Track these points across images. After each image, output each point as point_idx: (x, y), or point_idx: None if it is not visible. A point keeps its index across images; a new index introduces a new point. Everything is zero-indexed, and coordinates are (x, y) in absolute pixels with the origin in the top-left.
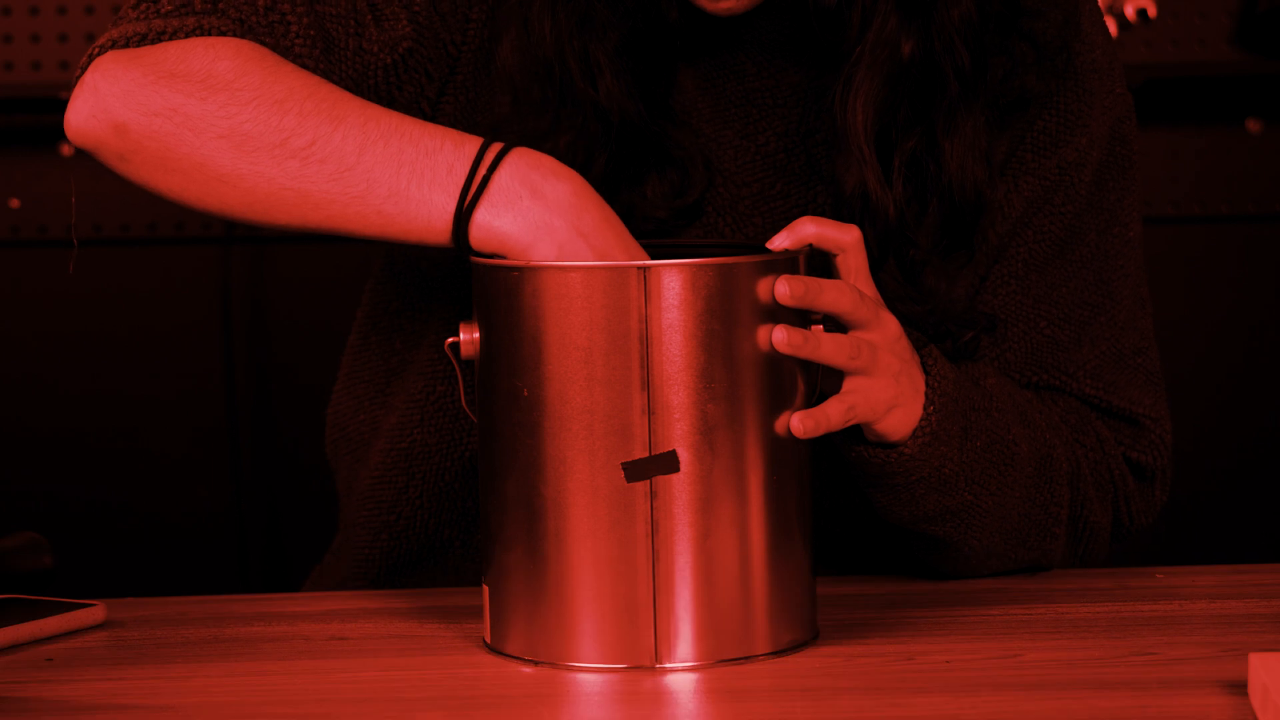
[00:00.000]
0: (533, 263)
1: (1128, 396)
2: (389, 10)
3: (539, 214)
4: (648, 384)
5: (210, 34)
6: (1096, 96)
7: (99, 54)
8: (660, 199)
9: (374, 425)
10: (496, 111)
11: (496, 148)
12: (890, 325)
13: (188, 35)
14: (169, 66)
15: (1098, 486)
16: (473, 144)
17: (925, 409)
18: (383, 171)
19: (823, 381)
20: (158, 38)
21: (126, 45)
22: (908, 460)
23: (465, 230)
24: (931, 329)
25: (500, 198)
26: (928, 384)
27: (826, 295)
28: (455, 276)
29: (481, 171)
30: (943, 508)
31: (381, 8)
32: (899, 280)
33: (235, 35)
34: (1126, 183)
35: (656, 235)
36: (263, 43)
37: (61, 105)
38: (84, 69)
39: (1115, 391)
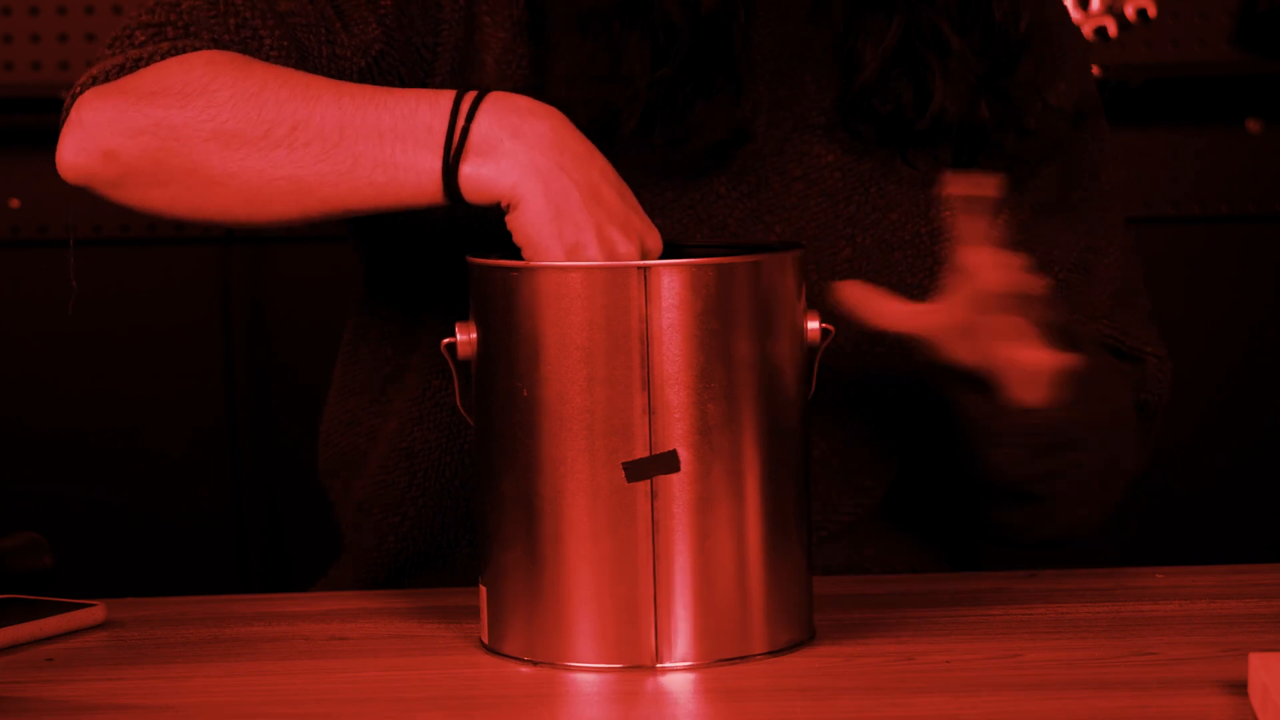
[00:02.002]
0: (532, 263)
1: (1137, 336)
2: (356, 15)
3: (521, 153)
4: (648, 384)
5: (185, 54)
6: (1064, 41)
7: (80, 93)
8: (718, 118)
9: (371, 435)
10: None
11: (471, 97)
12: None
13: (163, 58)
14: (147, 87)
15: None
16: (447, 98)
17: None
18: (366, 144)
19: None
20: (134, 66)
21: (106, 80)
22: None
23: (456, 186)
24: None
25: (483, 145)
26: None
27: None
28: (444, 279)
29: (460, 125)
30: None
31: (349, 13)
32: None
33: None
34: (1099, 129)
35: (712, 158)
36: None
37: (61, 105)
38: (67, 110)
39: (1127, 333)
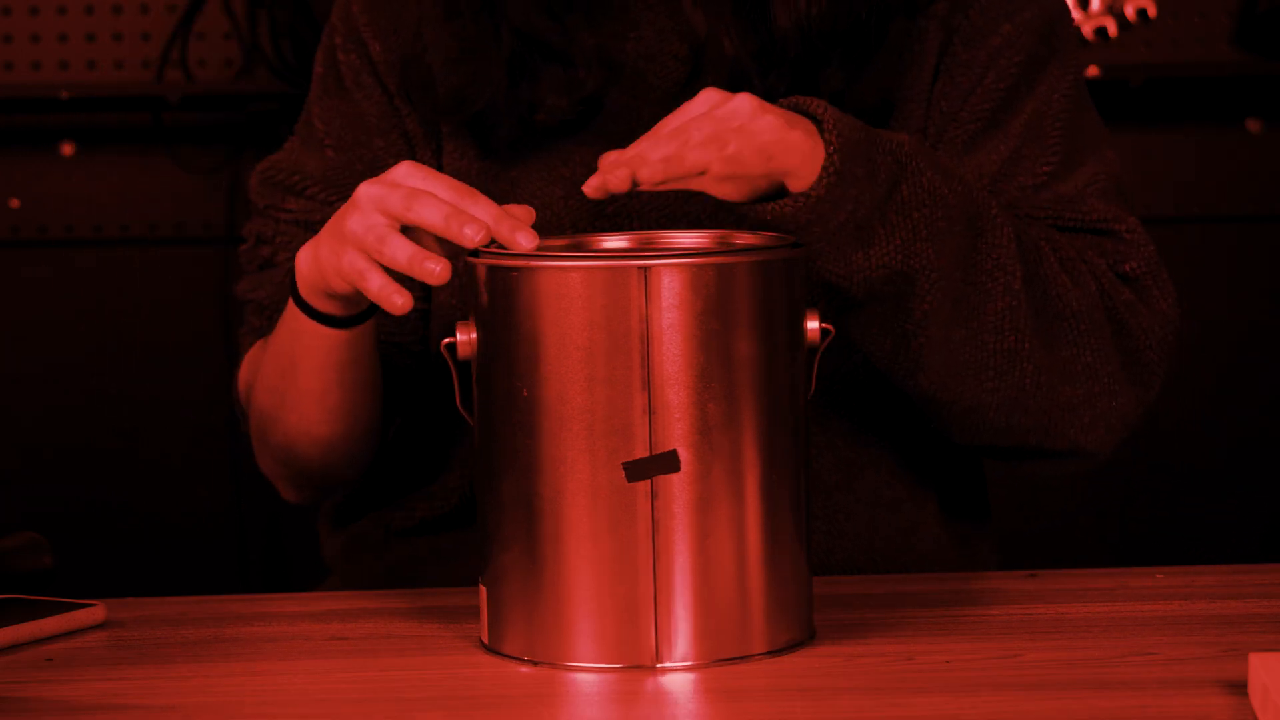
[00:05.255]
0: (531, 263)
1: (1093, 209)
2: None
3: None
4: (648, 384)
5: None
6: None
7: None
8: (560, 91)
9: (385, 523)
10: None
11: None
12: (742, 100)
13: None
14: None
15: (1066, 268)
16: None
17: (826, 150)
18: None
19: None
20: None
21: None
22: (816, 204)
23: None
24: None
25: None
26: (822, 129)
27: (634, 149)
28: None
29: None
30: (877, 271)
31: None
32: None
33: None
34: (1064, 71)
35: (563, 128)
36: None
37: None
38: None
39: (1069, 205)
